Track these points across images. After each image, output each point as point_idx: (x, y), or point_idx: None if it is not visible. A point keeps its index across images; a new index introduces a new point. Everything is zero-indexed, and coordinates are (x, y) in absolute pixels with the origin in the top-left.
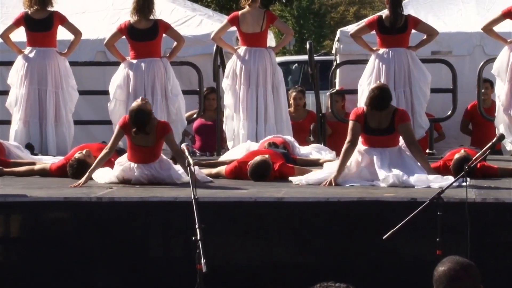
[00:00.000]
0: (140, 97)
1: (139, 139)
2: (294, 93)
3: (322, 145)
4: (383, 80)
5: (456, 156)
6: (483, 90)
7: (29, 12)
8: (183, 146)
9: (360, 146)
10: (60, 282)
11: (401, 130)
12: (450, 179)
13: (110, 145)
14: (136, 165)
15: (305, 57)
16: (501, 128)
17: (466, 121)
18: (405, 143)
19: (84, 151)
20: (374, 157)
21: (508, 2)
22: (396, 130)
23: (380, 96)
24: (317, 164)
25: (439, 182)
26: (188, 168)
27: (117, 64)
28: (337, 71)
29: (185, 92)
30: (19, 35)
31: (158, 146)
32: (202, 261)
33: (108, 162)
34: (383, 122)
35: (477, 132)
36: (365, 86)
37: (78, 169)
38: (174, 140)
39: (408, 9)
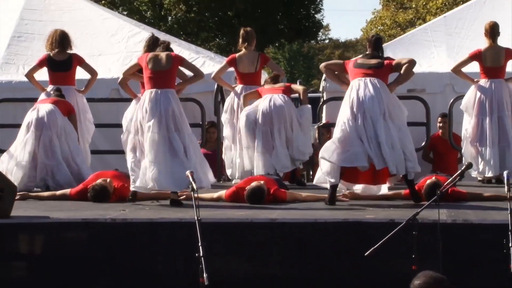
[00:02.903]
0: None
1: (156, 64)
2: None
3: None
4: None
5: (428, 182)
6: (441, 124)
7: (51, 54)
8: (188, 173)
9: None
10: None
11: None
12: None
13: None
14: (153, 91)
15: (295, 95)
16: (468, 157)
17: (428, 150)
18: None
19: (108, 180)
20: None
21: (475, 46)
22: (384, 66)
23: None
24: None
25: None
26: (192, 193)
27: (129, 100)
28: (324, 106)
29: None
30: (42, 74)
31: (173, 71)
32: (205, 275)
33: (124, 188)
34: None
35: (438, 160)
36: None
37: (100, 193)
38: (190, 63)
39: (387, 52)
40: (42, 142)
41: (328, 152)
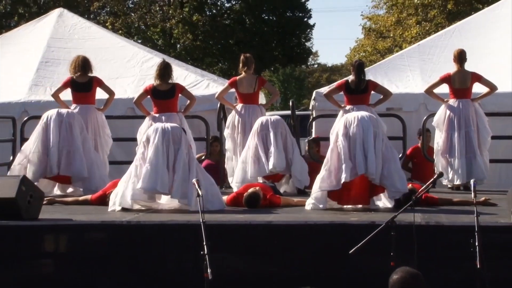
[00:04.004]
0: None
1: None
2: None
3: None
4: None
5: None
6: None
7: (74, 77)
8: (194, 180)
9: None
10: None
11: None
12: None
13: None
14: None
15: (288, 112)
16: (439, 167)
17: (407, 161)
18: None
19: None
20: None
21: (445, 70)
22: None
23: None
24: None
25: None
26: (198, 198)
27: (143, 117)
28: (313, 123)
29: (195, 139)
30: (67, 95)
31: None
32: (209, 271)
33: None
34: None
35: (416, 170)
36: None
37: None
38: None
39: (369, 75)
40: (63, 128)
41: (317, 184)
